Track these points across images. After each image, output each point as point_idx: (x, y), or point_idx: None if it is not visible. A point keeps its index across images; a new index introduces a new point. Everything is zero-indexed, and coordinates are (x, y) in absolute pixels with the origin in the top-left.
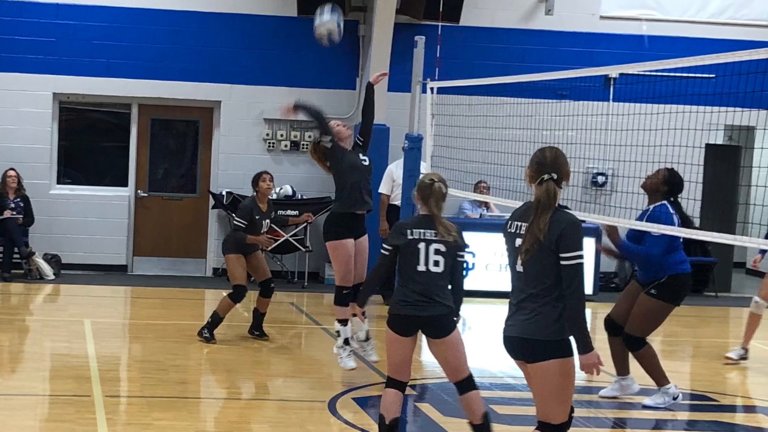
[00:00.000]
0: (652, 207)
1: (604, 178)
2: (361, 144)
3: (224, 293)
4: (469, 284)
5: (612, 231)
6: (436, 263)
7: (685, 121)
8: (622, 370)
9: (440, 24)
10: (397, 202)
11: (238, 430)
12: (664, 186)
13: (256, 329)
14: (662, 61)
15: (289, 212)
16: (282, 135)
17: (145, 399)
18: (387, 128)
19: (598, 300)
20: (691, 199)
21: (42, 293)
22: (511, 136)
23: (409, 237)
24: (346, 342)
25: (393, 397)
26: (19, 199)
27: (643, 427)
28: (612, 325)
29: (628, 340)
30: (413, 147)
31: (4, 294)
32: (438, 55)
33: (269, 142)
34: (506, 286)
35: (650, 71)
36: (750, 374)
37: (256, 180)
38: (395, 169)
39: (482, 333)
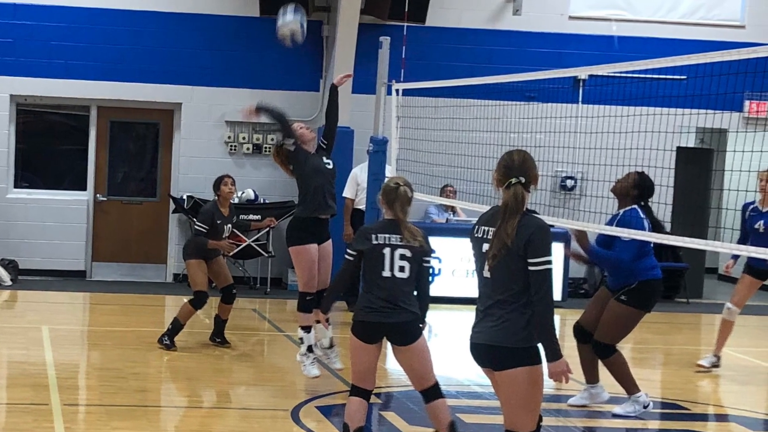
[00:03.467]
0: (622, 211)
1: (573, 181)
2: (324, 147)
3: (185, 299)
4: (435, 290)
5: (581, 236)
6: (402, 269)
7: (655, 124)
8: (592, 377)
9: (406, 24)
10: (362, 207)
11: None
12: (635, 190)
13: (218, 336)
14: (632, 63)
15: (251, 217)
16: (244, 138)
17: (104, 407)
18: (351, 131)
19: (567, 306)
20: (662, 203)
21: None
22: (478, 139)
23: (374, 242)
24: (310, 349)
25: (357, 405)
26: None
27: None
28: (581, 332)
29: (598, 347)
30: (378, 150)
31: None
32: (403, 56)
33: (231, 145)
34: (473, 292)
35: (620, 72)
36: (722, 382)
37: (218, 184)
38: (360, 173)
39: (449, 340)
